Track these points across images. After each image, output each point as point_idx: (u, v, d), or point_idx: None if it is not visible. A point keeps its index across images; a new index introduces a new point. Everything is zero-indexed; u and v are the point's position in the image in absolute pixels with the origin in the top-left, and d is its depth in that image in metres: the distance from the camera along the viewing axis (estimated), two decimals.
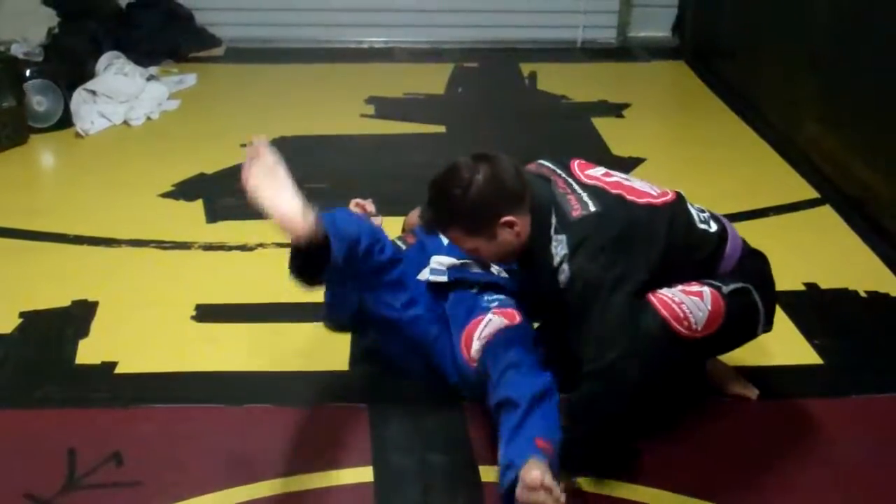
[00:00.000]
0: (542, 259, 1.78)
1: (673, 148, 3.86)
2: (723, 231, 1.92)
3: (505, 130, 3.92)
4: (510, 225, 1.78)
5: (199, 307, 2.46)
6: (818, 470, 1.89)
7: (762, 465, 1.90)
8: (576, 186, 1.84)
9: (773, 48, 3.95)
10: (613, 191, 1.84)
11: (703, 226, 1.89)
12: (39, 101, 3.75)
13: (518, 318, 1.96)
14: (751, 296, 1.87)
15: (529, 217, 1.80)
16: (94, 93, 3.93)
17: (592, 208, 1.78)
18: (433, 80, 4.59)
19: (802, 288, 2.59)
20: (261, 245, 2.83)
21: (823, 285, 2.61)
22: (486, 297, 2.03)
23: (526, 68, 4.76)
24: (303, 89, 4.48)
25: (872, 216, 2.99)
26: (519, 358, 1.84)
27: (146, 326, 2.38)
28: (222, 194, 3.20)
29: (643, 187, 1.90)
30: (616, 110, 4.17)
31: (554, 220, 1.78)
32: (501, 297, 2.03)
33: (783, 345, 2.31)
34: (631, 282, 1.74)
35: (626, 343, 1.70)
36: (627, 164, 3.47)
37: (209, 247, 2.83)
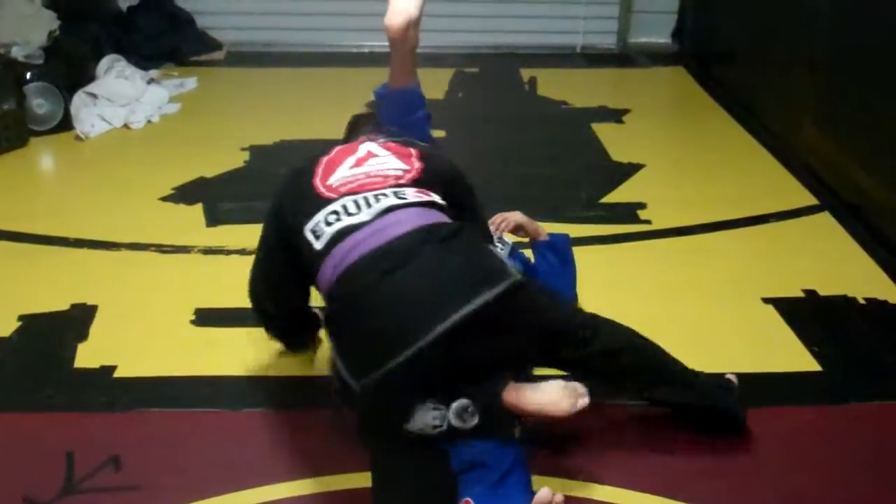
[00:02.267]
0: None
1: (672, 153, 3.87)
2: (322, 251, 1.75)
3: (505, 136, 3.93)
4: None
5: (198, 311, 2.46)
6: (817, 477, 1.89)
7: (761, 472, 1.90)
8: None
9: (773, 54, 3.95)
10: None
11: (312, 233, 1.78)
12: (40, 103, 3.75)
13: None
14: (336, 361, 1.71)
15: None
16: (94, 96, 3.94)
17: None
18: (433, 85, 4.58)
19: (801, 295, 2.60)
20: None
21: (822, 292, 2.61)
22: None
23: (526, 74, 4.76)
24: (303, 93, 4.48)
25: (871, 223, 3.00)
26: None
27: (145, 330, 2.38)
28: (222, 198, 3.20)
29: (378, 172, 1.86)
30: (616, 116, 4.18)
31: None
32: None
33: (782, 351, 2.31)
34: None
35: None
36: (627, 170, 3.47)
37: (209, 251, 2.83)
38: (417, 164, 1.91)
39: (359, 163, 1.90)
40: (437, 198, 1.86)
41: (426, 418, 1.66)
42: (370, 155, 1.92)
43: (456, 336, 1.59)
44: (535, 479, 1.79)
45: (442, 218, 1.81)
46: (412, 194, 1.82)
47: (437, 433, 1.66)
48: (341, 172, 1.87)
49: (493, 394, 1.70)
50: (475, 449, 1.69)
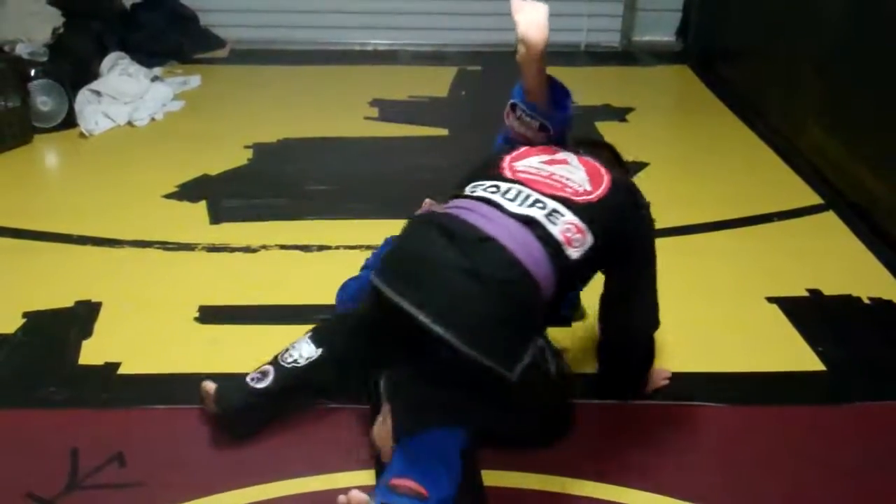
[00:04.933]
0: None
1: (676, 152, 3.86)
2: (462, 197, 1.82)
3: None
4: None
5: (202, 309, 2.46)
6: (821, 477, 1.88)
7: (765, 471, 1.90)
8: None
9: (778, 53, 3.95)
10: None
11: (473, 188, 1.84)
12: (44, 101, 3.75)
13: None
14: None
15: None
16: (98, 93, 3.94)
17: None
18: (437, 82, 4.59)
19: (806, 294, 2.59)
20: (264, 247, 2.83)
21: (827, 292, 2.60)
22: None
23: None
24: (306, 91, 4.48)
25: (877, 223, 2.99)
26: None
27: (149, 327, 2.38)
28: (226, 195, 3.20)
29: (559, 178, 1.84)
30: (620, 114, 4.17)
31: None
32: None
33: (787, 351, 2.31)
34: None
35: None
36: (631, 169, 3.46)
37: (213, 248, 2.83)
38: (601, 191, 1.83)
39: (551, 162, 1.90)
40: (587, 237, 1.76)
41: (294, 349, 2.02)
42: (564, 161, 1.90)
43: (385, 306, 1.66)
44: (536, 476, 1.80)
45: (541, 269, 1.70)
46: (561, 226, 1.74)
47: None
48: (530, 161, 1.89)
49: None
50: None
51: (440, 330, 1.58)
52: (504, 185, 1.82)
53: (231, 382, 1.98)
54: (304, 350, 1.99)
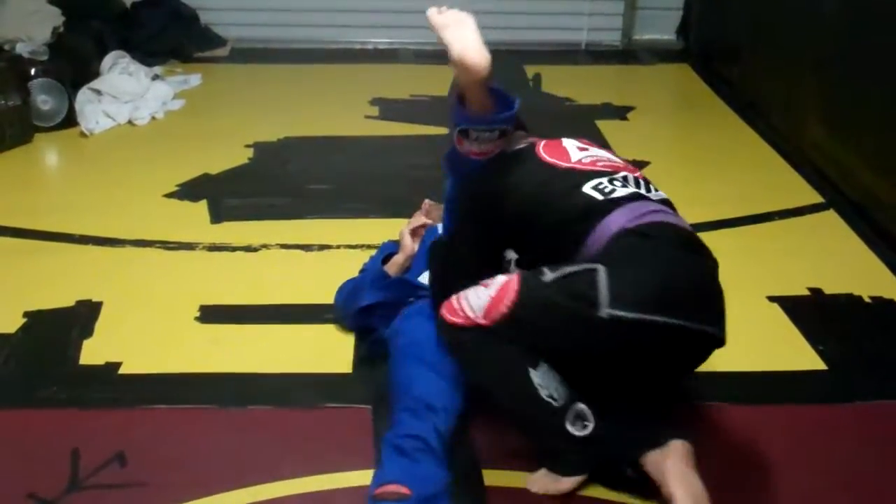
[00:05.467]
0: None
1: (677, 151, 3.86)
2: (609, 204, 1.81)
3: None
4: None
5: (203, 308, 2.46)
6: (821, 476, 1.88)
7: (765, 470, 1.90)
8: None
9: (778, 51, 3.94)
10: (548, 157, 1.92)
11: (592, 192, 1.84)
12: (44, 100, 3.75)
13: None
14: (589, 275, 1.67)
15: None
16: (98, 92, 3.94)
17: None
18: (438, 81, 4.54)
19: (807, 293, 2.59)
20: (265, 246, 2.83)
21: (828, 291, 2.60)
22: None
23: (530, 70, 4.75)
24: (307, 90, 4.48)
25: (877, 221, 2.99)
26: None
27: (150, 327, 2.38)
28: (227, 195, 3.20)
29: (605, 158, 1.96)
30: (620, 113, 4.17)
31: None
32: None
33: (787, 350, 2.31)
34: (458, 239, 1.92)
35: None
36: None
37: (213, 247, 2.83)
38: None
39: (581, 150, 1.96)
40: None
41: (553, 382, 1.73)
42: (583, 148, 1.97)
43: (671, 338, 1.69)
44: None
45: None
46: (654, 194, 1.90)
47: (542, 400, 1.73)
48: (577, 155, 1.92)
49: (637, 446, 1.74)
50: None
51: (716, 331, 1.74)
52: (611, 178, 1.86)
53: None
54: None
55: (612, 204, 1.80)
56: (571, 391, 1.75)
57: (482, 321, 1.73)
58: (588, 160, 1.94)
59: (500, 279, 1.76)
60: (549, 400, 1.72)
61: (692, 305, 1.70)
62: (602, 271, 1.66)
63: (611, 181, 1.86)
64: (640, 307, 1.64)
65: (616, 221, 1.77)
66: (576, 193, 1.84)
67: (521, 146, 2.01)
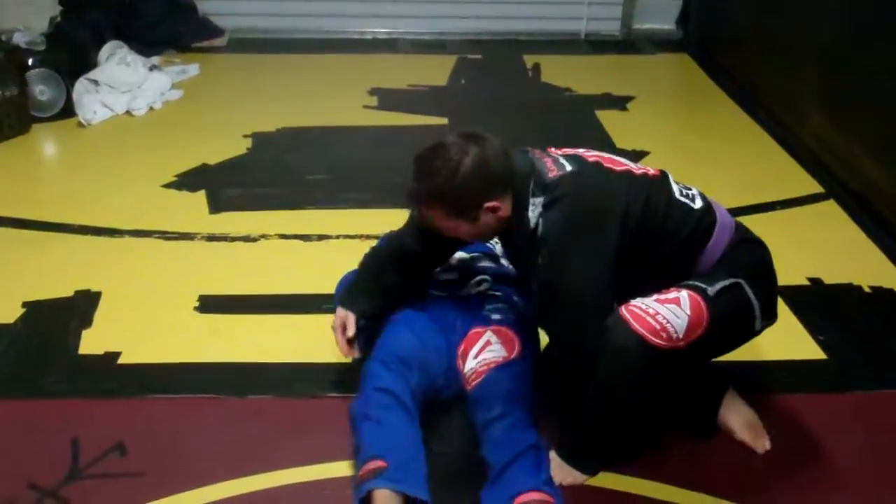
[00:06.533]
0: (520, 226, 1.75)
1: (677, 141, 3.85)
2: (708, 209, 1.83)
3: (508, 123, 3.91)
4: (494, 210, 1.75)
5: (202, 298, 2.46)
6: (821, 465, 1.89)
7: (765, 460, 1.90)
8: (553, 153, 1.83)
9: (779, 41, 3.93)
10: (591, 159, 1.83)
11: (683, 199, 1.82)
12: (42, 90, 3.73)
13: (517, 348, 1.90)
14: (741, 290, 1.75)
15: (511, 195, 1.76)
16: (96, 82, 3.92)
17: (569, 168, 1.76)
18: (436, 71, 4.58)
19: (806, 283, 2.59)
20: (263, 236, 2.83)
21: (827, 280, 2.60)
22: (487, 306, 2.00)
23: (530, 60, 4.75)
24: (305, 80, 4.47)
25: (877, 211, 2.99)
26: (506, 409, 1.80)
27: (149, 317, 2.38)
28: (225, 185, 3.20)
29: (623, 160, 1.88)
30: (620, 103, 4.16)
31: (532, 185, 1.75)
32: (503, 305, 2.01)
33: (787, 340, 2.31)
34: (599, 260, 1.69)
35: (590, 347, 1.69)
36: (631, 157, 3.45)
37: (212, 238, 2.83)
38: None
39: (598, 155, 1.89)
40: None
41: None
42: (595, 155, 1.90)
43: None
44: None
45: None
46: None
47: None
48: (618, 159, 1.88)
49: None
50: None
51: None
52: (668, 179, 1.86)
53: None
54: None
55: (711, 211, 1.84)
56: None
57: (680, 343, 1.68)
58: (631, 165, 1.88)
59: (683, 295, 1.71)
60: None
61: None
62: (746, 286, 1.76)
63: (672, 182, 1.86)
64: (774, 316, 1.86)
65: (722, 229, 1.83)
66: (676, 203, 1.80)
67: (556, 152, 1.87)
